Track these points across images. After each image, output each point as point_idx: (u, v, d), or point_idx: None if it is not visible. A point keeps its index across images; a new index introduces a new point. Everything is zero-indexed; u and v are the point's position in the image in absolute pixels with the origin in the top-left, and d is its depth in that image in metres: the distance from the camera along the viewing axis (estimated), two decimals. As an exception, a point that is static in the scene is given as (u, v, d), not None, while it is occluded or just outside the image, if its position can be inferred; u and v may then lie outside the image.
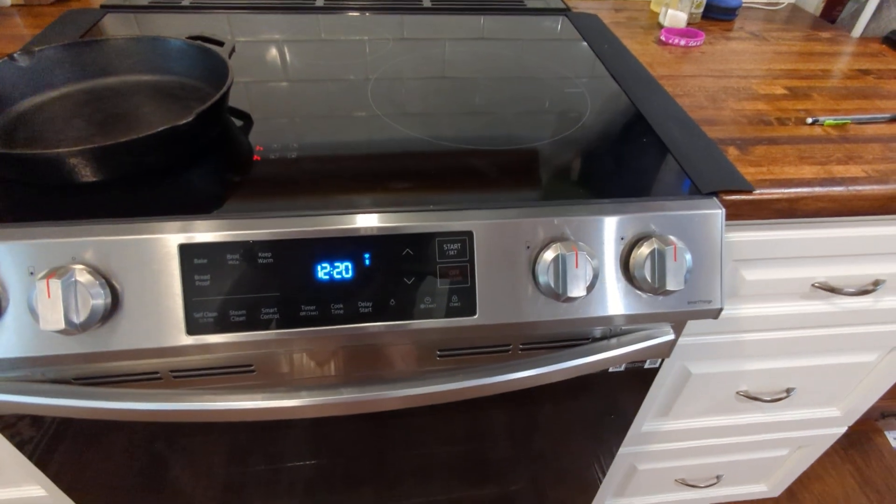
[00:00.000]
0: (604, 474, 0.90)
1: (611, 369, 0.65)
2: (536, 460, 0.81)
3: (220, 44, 0.63)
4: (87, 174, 0.48)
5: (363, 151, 0.58)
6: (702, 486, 1.03)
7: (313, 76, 0.71)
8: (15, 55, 0.57)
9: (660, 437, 0.89)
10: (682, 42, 0.86)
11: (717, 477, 1.03)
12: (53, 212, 0.47)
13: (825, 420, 0.93)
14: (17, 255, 0.44)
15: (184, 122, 0.49)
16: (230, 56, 0.61)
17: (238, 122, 0.62)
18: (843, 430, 0.96)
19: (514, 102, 0.69)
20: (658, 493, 1.08)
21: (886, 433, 1.40)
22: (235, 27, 0.83)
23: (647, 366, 0.66)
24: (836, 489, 1.27)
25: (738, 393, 0.82)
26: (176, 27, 0.82)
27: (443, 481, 0.82)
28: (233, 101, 0.64)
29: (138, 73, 0.63)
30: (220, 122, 0.60)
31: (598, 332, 0.59)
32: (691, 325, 0.71)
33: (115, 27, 0.81)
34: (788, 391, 0.82)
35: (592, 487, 0.93)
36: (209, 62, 0.61)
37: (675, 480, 1.03)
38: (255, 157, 0.56)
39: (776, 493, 1.15)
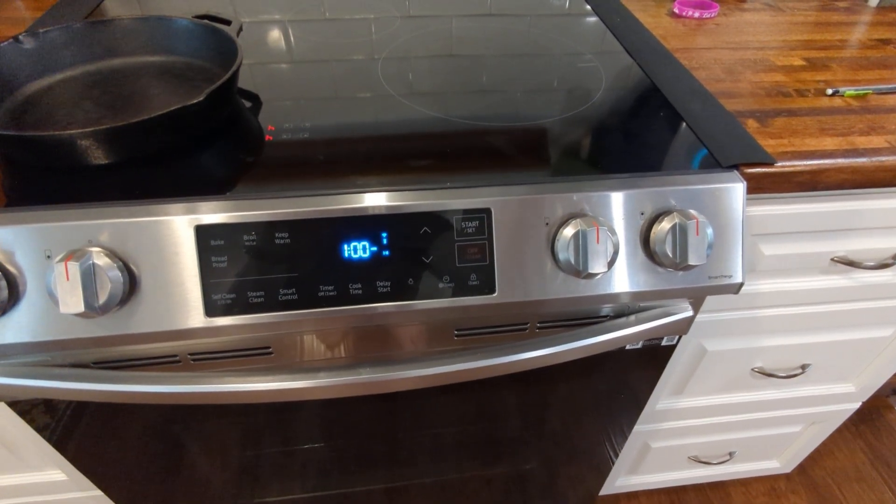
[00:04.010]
0: (617, 453, 0.90)
1: (627, 347, 0.64)
2: (550, 440, 0.81)
3: (228, 22, 0.61)
4: (98, 156, 0.48)
5: (377, 130, 0.57)
6: (714, 462, 1.04)
7: (321, 56, 0.70)
8: (20, 37, 0.56)
9: (674, 414, 0.89)
10: (696, 14, 0.84)
11: (730, 454, 1.04)
12: (67, 194, 0.47)
13: (840, 396, 0.92)
14: (33, 238, 0.44)
15: (194, 101, 0.48)
16: (238, 35, 0.60)
17: (247, 104, 0.61)
18: (857, 405, 0.95)
19: (528, 78, 0.67)
20: (670, 470, 1.08)
21: (897, 409, 1.40)
22: (238, 5, 0.82)
23: (663, 343, 0.66)
24: (846, 464, 1.28)
25: (753, 370, 0.82)
26: (179, 5, 0.80)
27: (456, 461, 0.82)
28: (240, 82, 0.63)
29: (145, 54, 0.62)
30: (230, 103, 0.59)
31: (615, 309, 0.58)
32: (708, 301, 0.70)
33: (118, 7, 0.79)
34: (804, 367, 0.82)
35: (605, 466, 0.93)
36: (216, 42, 0.59)
37: (688, 458, 1.03)
38: (268, 137, 0.55)
39: (788, 469, 1.15)
